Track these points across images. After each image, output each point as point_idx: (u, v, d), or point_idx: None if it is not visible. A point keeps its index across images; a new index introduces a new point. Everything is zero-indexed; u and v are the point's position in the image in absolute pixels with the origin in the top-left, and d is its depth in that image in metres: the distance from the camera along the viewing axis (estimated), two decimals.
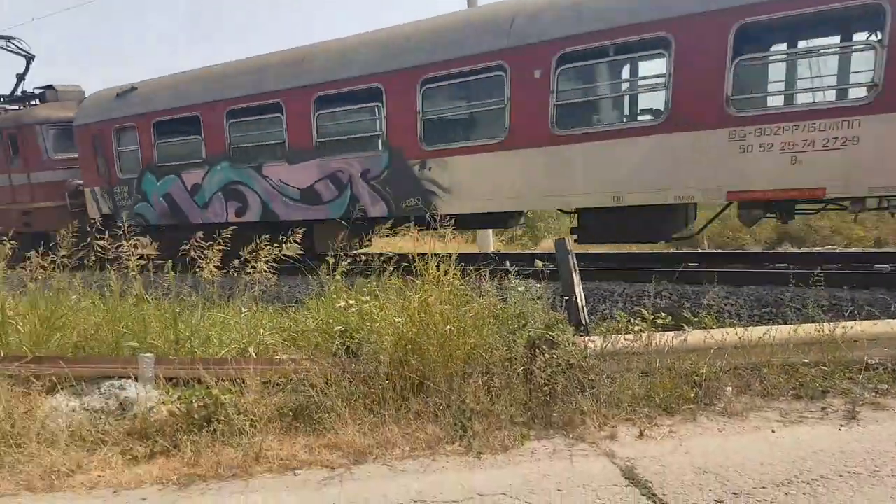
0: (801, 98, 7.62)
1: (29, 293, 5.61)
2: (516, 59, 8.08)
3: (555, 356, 4.27)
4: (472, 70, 8.38)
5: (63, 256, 5.60)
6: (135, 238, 5.39)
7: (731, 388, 4.34)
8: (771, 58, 7.90)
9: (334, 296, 5.32)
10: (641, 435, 3.84)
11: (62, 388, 4.46)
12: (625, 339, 4.64)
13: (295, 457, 3.70)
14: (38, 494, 3.43)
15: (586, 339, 4.67)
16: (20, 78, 14.94)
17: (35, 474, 3.55)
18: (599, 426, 3.94)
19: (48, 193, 13.36)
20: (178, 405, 3.97)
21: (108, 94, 12.39)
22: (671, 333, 4.71)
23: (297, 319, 5.62)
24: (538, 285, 5.08)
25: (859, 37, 7.71)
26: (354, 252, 6.18)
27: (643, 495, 3.11)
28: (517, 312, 4.77)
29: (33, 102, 14.48)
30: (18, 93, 14.96)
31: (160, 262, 6.05)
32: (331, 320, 5.09)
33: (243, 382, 4.18)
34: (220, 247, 5.38)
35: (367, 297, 4.97)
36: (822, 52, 7.60)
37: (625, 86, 9.40)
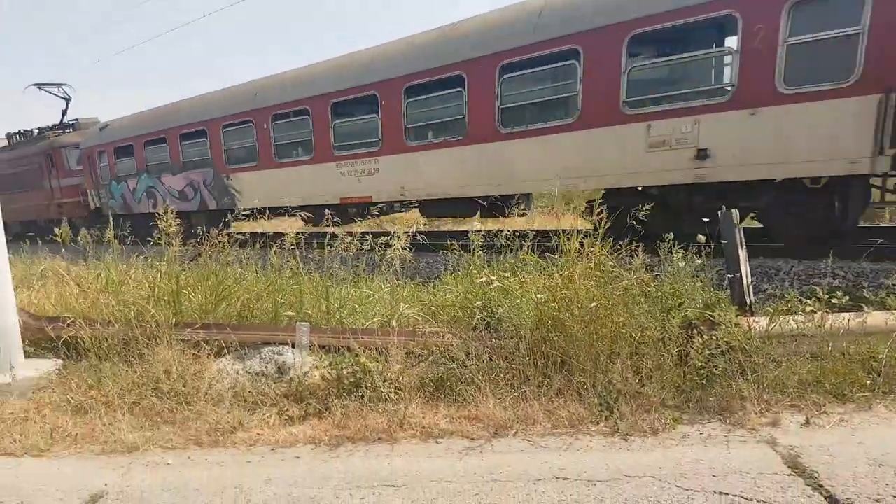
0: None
1: (199, 267, 6.75)
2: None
3: (714, 337, 4.55)
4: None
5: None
6: (292, 217, 6.42)
7: None
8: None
9: (475, 271, 5.91)
10: (808, 422, 4.06)
11: (227, 353, 5.42)
12: (794, 321, 4.81)
13: (437, 426, 4.30)
14: (204, 449, 4.26)
15: (750, 319, 4.88)
16: (63, 113, 24.66)
17: (202, 430, 4.43)
18: (760, 412, 4.20)
19: (71, 193, 23.23)
20: (330, 371, 4.77)
21: (95, 128, 22.18)
22: (847, 314, 4.82)
23: (436, 294, 6.30)
24: (698, 261, 5.34)
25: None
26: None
27: (808, 486, 3.32)
28: (672, 290, 5.08)
29: (68, 130, 24.11)
30: (60, 123, 24.52)
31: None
32: (469, 295, 5.69)
33: (387, 352, 4.89)
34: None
35: (508, 274, 5.50)
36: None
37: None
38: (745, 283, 5.46)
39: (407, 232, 6.14)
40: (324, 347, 5.31)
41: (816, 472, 3.47)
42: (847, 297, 5.15)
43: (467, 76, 11.33)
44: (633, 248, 5.51)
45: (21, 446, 4.33)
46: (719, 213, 5.77)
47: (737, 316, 4.85)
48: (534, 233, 6.19)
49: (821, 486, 3.33)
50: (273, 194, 15.26)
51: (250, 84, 16.38)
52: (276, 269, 6.53)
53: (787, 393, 4.37)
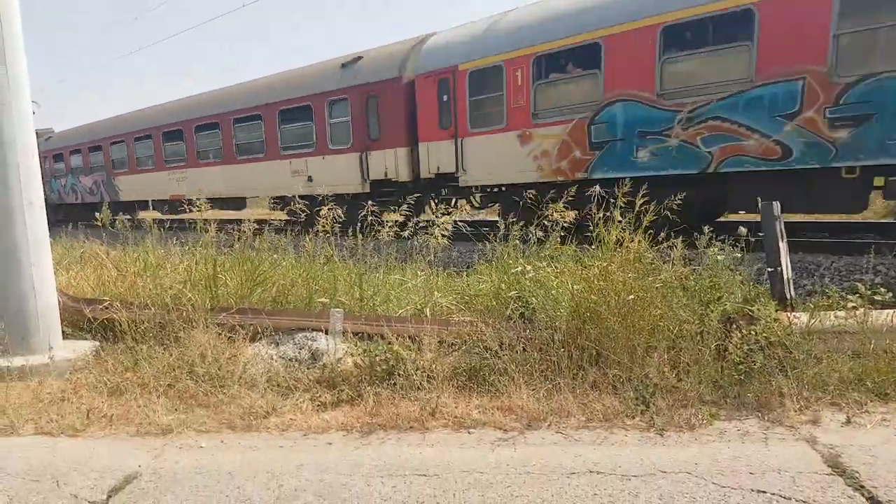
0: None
1: (236, 252, 6.82)
2: None
3: (753, 332, 4.45)
4: None
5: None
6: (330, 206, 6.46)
7: None
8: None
9: (510, 261, 5.86)
10: (849, 421, 3.96)
11: (262, 337, 5.46)
12: (835, 317, 4.70)
13: (469, 416, 4.27)
14: (237, 433, 4.28)
15: (790, 315, 4.78)
16: None
17: (236, 414, 4.45)
18: (800, 410, 4.10)
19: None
20: (363, 358, 4.76)
21: (42, 139, 27.73)
22: (890, 311, 4.70)
23: (470, 283, 6.27)
24: (737, 254, 5.24)
25: None
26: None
27: (849, 486, 3.24)
28: (711, 283, 4.99)
29: None
30: None
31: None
32: (503, 285, 5.65)
33: (420, 341, 4.87)
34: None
35: (544, 264, 5.44)
36: None
37: None
38: (785, 277, 5.35)
39: (447, 221, 6.10)
40: (357, 334, 5.30)
41: (857, 472, 3.38)
42: (890, 294, 5.02)
43: (221, 123, 19.93)
44: (671, 240, 5.43)
45: (57, 426, 4.39)
46: (760, 205, 5.65)
47: (776, 311, 4.75)
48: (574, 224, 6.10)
49: (862, 486, 3.24)
50: (139, 192, 24.47)
51: (119, 117, 25.72)
52: (311, 255, 6.55)
53: (828, 391, 4.27)
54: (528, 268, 5.31)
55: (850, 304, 4.86)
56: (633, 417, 4.18)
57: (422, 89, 14.18)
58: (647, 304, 4.68)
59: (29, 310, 5.54)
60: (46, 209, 5.91)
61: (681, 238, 5.52)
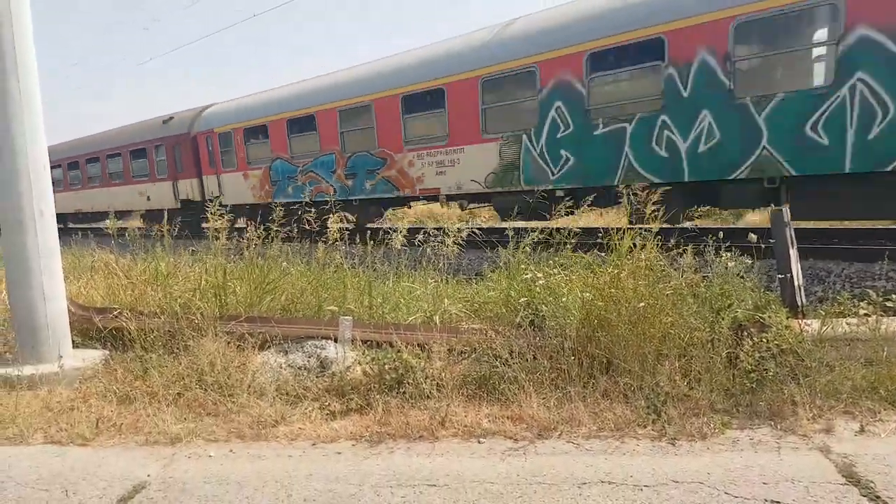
0: None
1: (245, 260, 6.84)
2: None
3: (765, 340, 4.41)
4: None
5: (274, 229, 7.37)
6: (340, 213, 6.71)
7: None
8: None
9: (522, 267, 5.84)
10: (862, 430, 3.90)
11: (271, 346, 5.45)
12: (847, 324, 4.65)
13: (479, 425, 4.22)
14: (246, 442, 4.25)
15: (802, 322, 4.74)
16: None
17: (245, 423, 4.43)
18: (813, 418, 4.05)
19: None
20: (372, 366, 4.73)
21: None
22: None
23: (479, 290, 6.25)
24: (748, 261, 5.21)
25: None
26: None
27: (864, 496, 3.19)
28: (722, 291, 4.94)
29: None
30: None
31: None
32: (512, 292, 5.61)
33: (430, 349, 4.84)
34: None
35: (555, 270, 5.42)
36: None
37: None
38: (796, 283, 5.30)
39: (459, 228, 6.10)
40: (366, 342, 5.27)
41: (872, 482, 3.32)
42: None
43: (100, 157, 26.10)
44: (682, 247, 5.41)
45: (67, 435, 4.38)
46: (770, 211, 5.62)
47: (788, 318, 4.71)
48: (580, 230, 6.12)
49: (878, 496, 3.19)
50: (61, 207, 27.25)
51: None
52: (321, 263, 6.55)
53: (841, 399, 4.20)
54: (539, 275, 5.29)
55: (861, 311, 4.81)
56: (645, 426, 4.13)
57: (200, 142, 21.26)
58: (657, 312, 4.64)
59: (39, 318, 5.55)
60: None
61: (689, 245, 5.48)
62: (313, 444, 4.17)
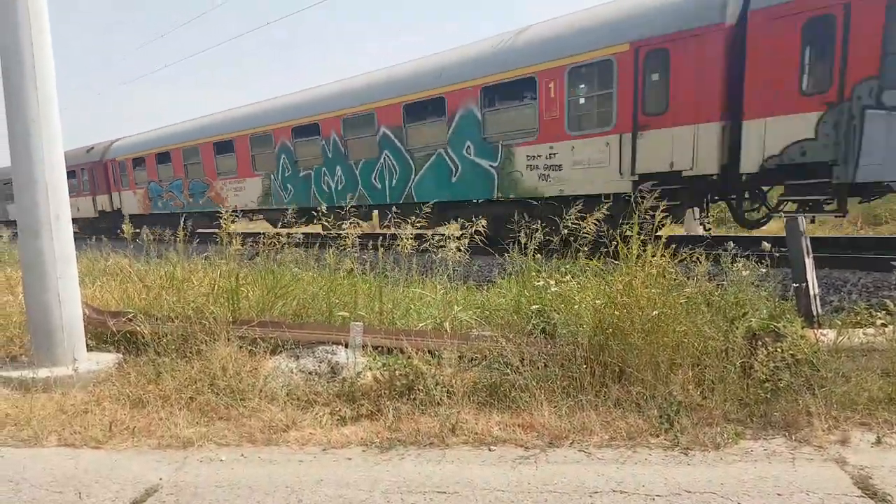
0: None
1: (258, 266, 6.92)
2: None
3: (779, 350, 4.37)
4: None
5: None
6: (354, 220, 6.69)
7: None
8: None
9: (534, 274, 5.82)
10: (879, 442, 3.86)
11: (282, 351, 5.48)
12: (864, 334, 4.60)
13: (490, 432, 4.21)
14: (257, 446, 4.27)
15: (817, 332, 4.69)
16: None
17: (256, 427, 4.44)
18: (828, 429, 4.01)
19: None
20: (383, 372, 4.74)
21: None
22: None
23: (490, 297, 6.24)
24: (763, 270, 5.17)
25: None
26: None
27: None
28: (736, 300, 4.91)
29: None
30: None
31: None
32: (523, 299, 5.60)
33: (440, 355, 4.83)
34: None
35: (568, 278, 5.40)
36: None
37: None
38: (812, 293, 5.26)
39: (463, 233, 6.11)
40: (377, 348, 5.28)
41: (889, 495, 3.28)
42: None
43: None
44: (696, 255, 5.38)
45: (80, 438, 4.41)
46: (785, 220, 5.58)
47: (803, 328, 4.67)
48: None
49: None
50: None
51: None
52: (332, 269, 6.57)
53: (857, 410, 4.17)
54: (551, 282, 5.27)
55: (878, 321, 4.77)
56: (657, 436, 4.11)
57: (108, 167, 26.81)
58: (670, 321, 4.61)
59: (54, 322, 5.60)
60: None
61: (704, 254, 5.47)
62: (324, 450, 4.18)
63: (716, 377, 4.42)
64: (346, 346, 5.34)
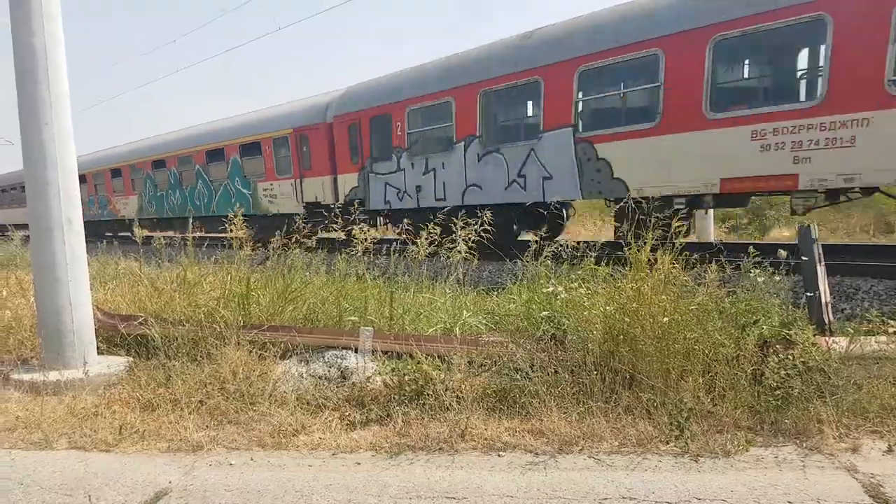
0: None
1: (268, 270, 6.95)
2: None
3: (791, 357, 4.36)
4: None
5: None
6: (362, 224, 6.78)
7: None
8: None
9: (542, 280, 5.83)
10: (890, 450, 3.84)
11: (292, 355, 5.50)
12: (876, 342, 4.58)
13: (499, 438, 4.22)
14: (266, 451, 4.28)
15: (829, 339, 4.67)
16: None
17: (265, 431, 4.46)
18: (839, 437, 3.99)
19: None
20: (392, 377, 4.75)
21: None
22: None
23: (500, 303, 6.25)
24: (777, 278, 5.15)
25: None
26: None
27: None
28: (748, 307, 4.89)
29: None
30: None
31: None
32: (533, 305, 5.60)
33: (450, 360, 4.84)
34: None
35: (577, 284, 5.40)
36: None
37: None
38: (823, 301, 5.24)
39: (470, 237, 6.13)
40: (386, 353, 5.31)
41: None
42: None
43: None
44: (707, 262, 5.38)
45: (90, 441, 4.44)
46: (798, 227, 5.57)
47: (815, 335, 4.65)
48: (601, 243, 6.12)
49: None
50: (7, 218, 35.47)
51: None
52: (343, 274, 6.60)
53: (869, 418, 4.15)
54: (561, 288, 5.27)
55: (891, 329, 4.75)
56: (668, 443, 4.10)
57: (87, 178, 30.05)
58: (681, 327, 4.60)
59: (65, 325, 5.64)
60: None
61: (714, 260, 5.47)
62: (333, 454, 4.19)
63: (726, 384, 4.41)
64: (356, 351, 5.36)
